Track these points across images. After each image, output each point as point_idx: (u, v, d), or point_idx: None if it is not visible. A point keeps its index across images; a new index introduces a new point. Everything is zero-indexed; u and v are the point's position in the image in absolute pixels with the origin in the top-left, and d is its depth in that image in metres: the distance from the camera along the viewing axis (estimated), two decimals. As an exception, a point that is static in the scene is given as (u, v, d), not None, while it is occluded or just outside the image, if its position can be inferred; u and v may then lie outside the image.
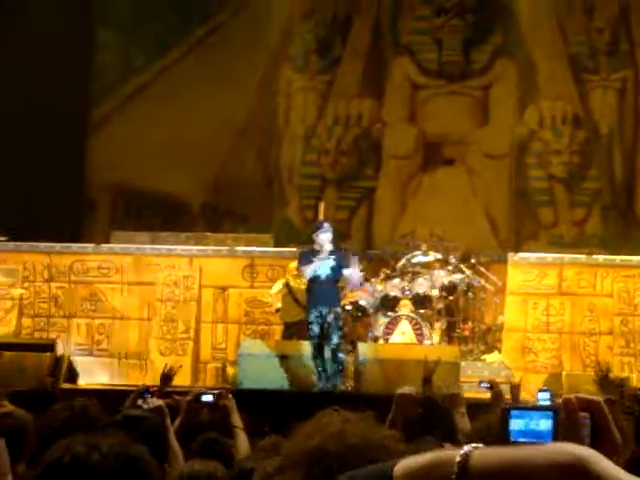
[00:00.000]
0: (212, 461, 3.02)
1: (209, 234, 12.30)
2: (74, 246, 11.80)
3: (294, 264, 10.66)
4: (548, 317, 10.94)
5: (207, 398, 3.91)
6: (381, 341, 10.61)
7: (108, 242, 11.91)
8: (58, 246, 11.67)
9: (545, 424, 1.15)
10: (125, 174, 13.82)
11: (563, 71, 13.80)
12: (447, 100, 13.99)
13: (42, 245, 11.63)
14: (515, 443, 1.16)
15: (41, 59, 13.19)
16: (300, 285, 10.38)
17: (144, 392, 3.79)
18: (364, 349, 10.07)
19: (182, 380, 10.66)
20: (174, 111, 13.60)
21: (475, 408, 4.61)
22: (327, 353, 9.32)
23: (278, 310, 10.89)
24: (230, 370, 10.54)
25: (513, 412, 1.18)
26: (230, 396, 3.97)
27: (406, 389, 4.30)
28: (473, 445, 1.01)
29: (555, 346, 10.87)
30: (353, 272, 9.61)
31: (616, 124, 13.63)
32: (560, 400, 1.18)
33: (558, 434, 1.16)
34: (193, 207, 14.01)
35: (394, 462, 1.01)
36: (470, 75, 14.00)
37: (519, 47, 13.89)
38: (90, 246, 11.80)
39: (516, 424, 1.16)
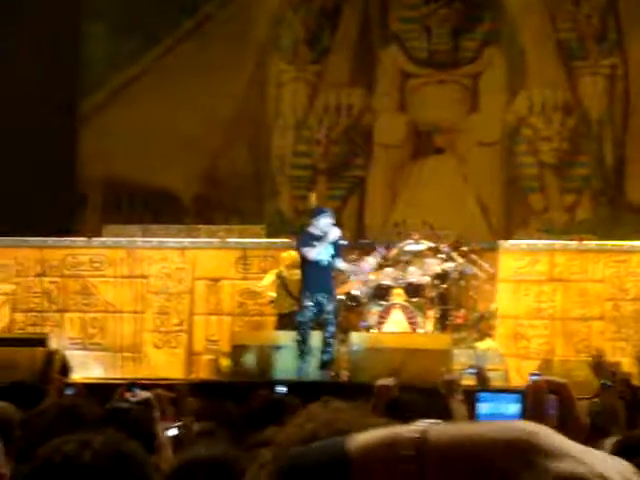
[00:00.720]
0: (217, 445, 3.01)
1: (201, 226, 12.30)
2: (66, 240, 11.79)
3: (286, 254, 10.66)
4: (540, 303, 10.98)
5: (172, 432, 3.75)
6: (374, 330, 10.64)
7: (100, 236, 11.89)
8: (50, 240, 11.65)
9: (514, 407, 1.18)
10: (116, 167, 13.79)
11: (552, 58, 13.81)
12: (437, 88, 13.99)
13: (34, 239, 11.61)
14: None
15: (30, 52, 13.15)
16: (292, 276, 10.38)
17: (130, 386, 3.78)
18: (357, 338, 10.09)
19: (176, 372, 10.69)
20: (164, 104, 13.57)
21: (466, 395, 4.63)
22: (318, 341, 9.31)
23: (272, 301, 10.89)
24: (223, 362, 10.55)
25: (481, 395, 1.20)
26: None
27: (385, 380, 4.71)
28: (431, 421, 1.00)
29: (547, 332, 10.91)
30: (350, 265, 9.63)
31: (605, 110, 13.65)
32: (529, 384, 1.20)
33: (526, 417, 1.18)
34: (185, 200, 13.99)
35: (347, 436, 1.00)
36: (460, 63, 14.00)
37: (508, 34, 13.90)
38: (82, 240, 11.79)
39: (483, 407, 1.18)
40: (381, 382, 4.63)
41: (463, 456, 0.95)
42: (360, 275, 10.21)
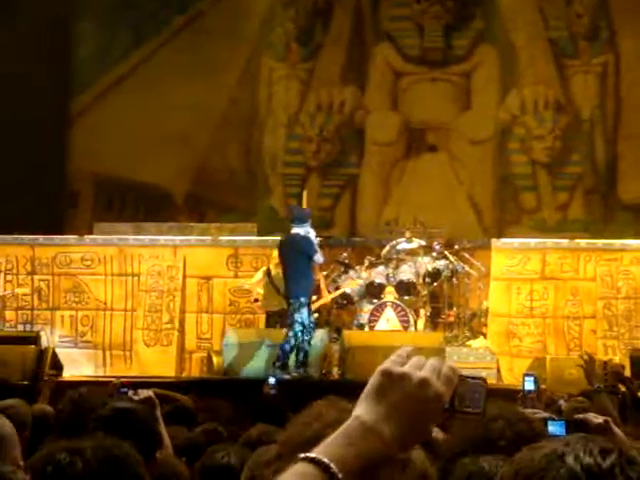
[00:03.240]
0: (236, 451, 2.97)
1: (193, 224, 12.26)
2: (57, 238, 11.73)
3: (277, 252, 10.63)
4: (532, 302, 10.97)
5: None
6: (366, 328, 10.63)
7: (91, 233, 11.85)
8: (41, 238, 11.60)
9: None
10: (107, 165, 13.75)
11: (544, 56, 13.82)
12: (429, 86, 13.98)
13: (25, 237, 11.55)
14: None
15: (21, 51, 13.09)
16: (281, 274, 10.34)
17: (120, 387, 3.75)
18: (349, 336, 10.08)
19: (167, 370, 10.66)
20: (155, 101, 13.53)
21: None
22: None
23: (256, 300, 10.83)
24: (215, 359, 10.52)
25: None
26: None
27: None
28: (309, 455, 1.07)
29: (539, 330, 10.91)
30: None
31: (597, 109, 13.67)
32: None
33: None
34: (176, 197, 13.95)
35: None
36: (452, 61, 14.00)
37: (500, 32, 13.90)
38: (73, 238, 11.74)
39: None
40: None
41: None
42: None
